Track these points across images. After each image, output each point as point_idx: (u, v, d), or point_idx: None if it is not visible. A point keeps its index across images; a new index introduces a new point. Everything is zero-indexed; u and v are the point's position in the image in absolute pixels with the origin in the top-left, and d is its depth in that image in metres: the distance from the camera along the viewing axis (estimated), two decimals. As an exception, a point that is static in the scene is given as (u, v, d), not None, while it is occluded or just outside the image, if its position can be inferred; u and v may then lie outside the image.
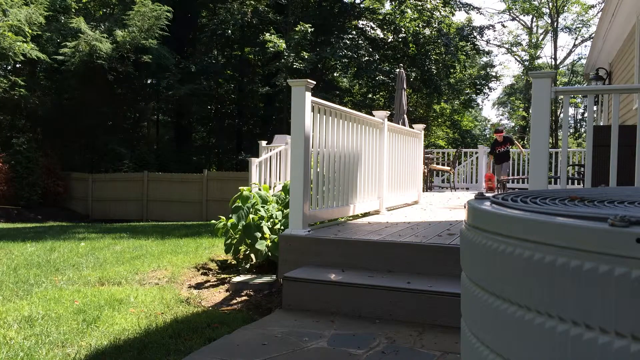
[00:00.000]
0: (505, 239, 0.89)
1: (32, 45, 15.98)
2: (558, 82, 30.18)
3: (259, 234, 4.46)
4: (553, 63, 31.10)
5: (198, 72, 20.04)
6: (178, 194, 16.22)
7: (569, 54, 49.41)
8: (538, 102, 3.33)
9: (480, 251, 0.97)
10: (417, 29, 19.96)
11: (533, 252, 0.82)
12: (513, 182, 11.00)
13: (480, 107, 36.56)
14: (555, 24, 30.91)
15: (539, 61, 32.45)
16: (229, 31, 19.96)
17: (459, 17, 30.01)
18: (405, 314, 2.97)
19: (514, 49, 34.04)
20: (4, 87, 16.07)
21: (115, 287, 4.13)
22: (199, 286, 4.17)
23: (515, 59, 34.73)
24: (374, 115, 5.55)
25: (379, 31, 21.03)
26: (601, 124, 9.73)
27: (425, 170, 10.36)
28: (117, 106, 19.11)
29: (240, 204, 4.67)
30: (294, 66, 17.13)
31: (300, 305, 3.24)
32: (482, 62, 31.01)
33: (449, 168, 11.17)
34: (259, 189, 5.10)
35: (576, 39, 39.31)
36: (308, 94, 3.88)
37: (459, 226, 4.38)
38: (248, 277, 4.20)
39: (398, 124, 8.47)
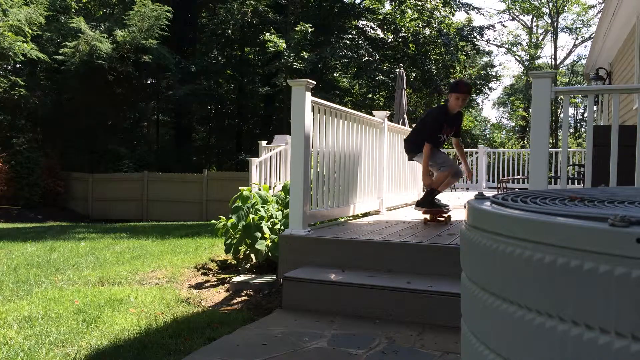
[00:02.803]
0: (505, 239, 0.89)
1: (32, 45, 15.96)
2: (558, 82, 30.18)
3: (259, 234, 4.46)
4: (553, 63, 31.10)
5: (198, 72, 20.03)
6: (178, 194, 16.21)
7: (569, 54, 49.44)
8: (538, 102, 3.33)
9: (480, 251, 0.97)
10: (417, 29, 19.96)
11: (533, 252, 0.82)
12: (513, 182, 11.00)
13: (480, 107, 36.53)
14: (555, 24, 30.91)
15: (539, 61, 32.45)
16: (229, 31, 19.95)
17: (459, 17, 29.99)
18: (405, 314, 2.97)
19: (514, 49, 34.04)
20: (4, 87, 16.06)
21: (115, 287, 4.13)
22: (199, 286, 4.17)
23: (515, 59, 34.74)
24: (374, 115, 5.56)
25: (379, 31, 21.03)
26: (601, 124, 9.73)
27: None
28: (117, 106, 19.10)
29: (240, 204, 4.67)
30: (294, 66, 17.13)
31: (300, 305, 3.24)
32: (482, 62, 31.00)
33: (449, 168, 11.15)
34: (259, 189, 5.10)
35: (576, 39, 39.30)
36: (308, 94, 3.88)
37: (459, 226, 4.38)
38: (248, 277, 4.20)
39: (398, 124, 8.47)
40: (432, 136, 4.63)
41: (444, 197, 8.56)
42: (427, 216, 4.83)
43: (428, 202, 4.83)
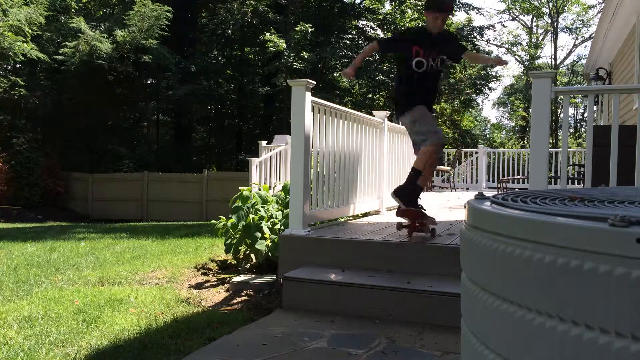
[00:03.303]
0: (505, 239, 0.89)
1: (32, 45, 15.96)
2: (558, 82, 30.18)
3: (259, 234, 4.46)
4: (553, 63, 31.10)
5: (198, 72, 20.02)
6: (178, 194, 16.21)
7: (569, 54, 49.45)
8: (538, 102, 3.33)
9: (480, 251, 0.97)
10: (417, 29, 19.95)
11: (533, 252, 0.82)
12: (513, 182, 11.00)
13: (480, 107, 36.50)
14: (555, 24, 30.91)
15: (539, 61, 32.44)
16: (229, 31, 19.92)
17: (459, 17, 29.96)
18: (405, 314, 2.97)
19: (514, 49, 34.01)
20: (4, 87, 16.06)
21: (115, 287, 4.13)
22: (199, 286, 4.17)
23: (515, 59, 34.71)
24: (374, 115, 5.56)
25: (379, 31, 21.02)
26: (601, 124, 9.72)
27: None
28: (117, 106, 19.10)
29: (240, 204, 4.67)
30: (294, 66, 17.12)
31: (300, 305, 3.24)
32: (482, 62, 30.95)
33: (448, 168, 11.16)
34: (259, 189, 5.10)
35: (576, 39, 39.33)
36: (308, 94, 3.88)
37: (459, 226, 4.38)
38: (248, 277, 4.20)
39: (398, 124, 8.47)
40: (407, 61, 3.63)
41: (443, 198, 8.52)
42: (404, 221, 3.71)
43: (409, 193, 3.60)
